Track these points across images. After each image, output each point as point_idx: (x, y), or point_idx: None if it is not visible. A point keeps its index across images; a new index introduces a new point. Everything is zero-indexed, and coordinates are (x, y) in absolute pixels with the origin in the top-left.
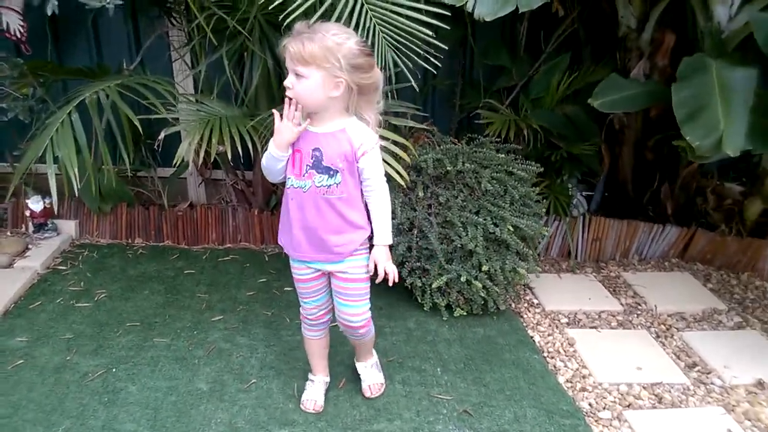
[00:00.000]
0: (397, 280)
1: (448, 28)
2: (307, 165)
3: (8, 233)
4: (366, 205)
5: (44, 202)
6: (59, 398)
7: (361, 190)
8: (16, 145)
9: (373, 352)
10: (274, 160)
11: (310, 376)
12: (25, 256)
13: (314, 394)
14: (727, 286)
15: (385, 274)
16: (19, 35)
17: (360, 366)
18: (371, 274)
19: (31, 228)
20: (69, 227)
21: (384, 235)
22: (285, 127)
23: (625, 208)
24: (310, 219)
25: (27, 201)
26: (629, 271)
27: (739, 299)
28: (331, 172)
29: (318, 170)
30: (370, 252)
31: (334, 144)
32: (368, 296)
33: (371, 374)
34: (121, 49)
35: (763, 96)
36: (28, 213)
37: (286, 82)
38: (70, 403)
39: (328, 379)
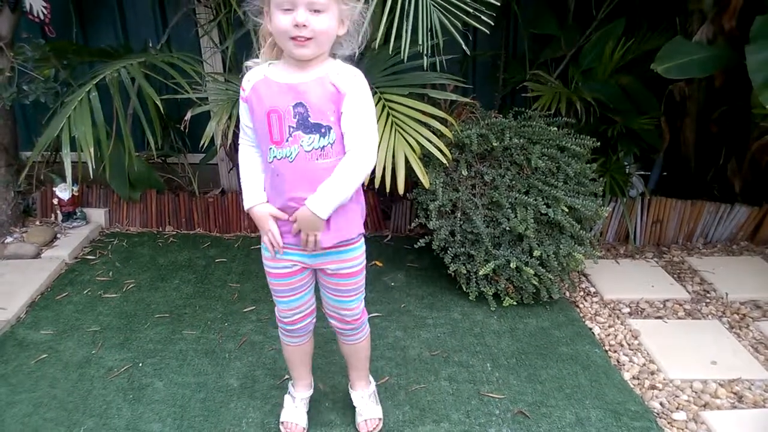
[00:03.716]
0: (317, 250)
1: None
2: (290, 126)
3: (37, 222)
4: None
5: (72, 190)
6: (82, 395)
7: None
8: (40, 131)
9: (370, 378)
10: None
11: (290, 389)
12: (53, 246)
13: (294, 416)
14: None
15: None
16: (42, 17)
17: (356, 396)
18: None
19: (59, 217)
20: (98, 216)
21: (321, 200)
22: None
23: (687, 187)
24: (304, 196)
25: (54, 189)
26: (694, 256)
27: None
28: (323, 130)
29: (305, 130)
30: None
31: (320, 92)
32: (364, 287)
33: (368, 407)
34: (148, 29)
35: None
36: (55, 201)
37: (300, 19)
38: (93, 401)
39: (311, 392)
